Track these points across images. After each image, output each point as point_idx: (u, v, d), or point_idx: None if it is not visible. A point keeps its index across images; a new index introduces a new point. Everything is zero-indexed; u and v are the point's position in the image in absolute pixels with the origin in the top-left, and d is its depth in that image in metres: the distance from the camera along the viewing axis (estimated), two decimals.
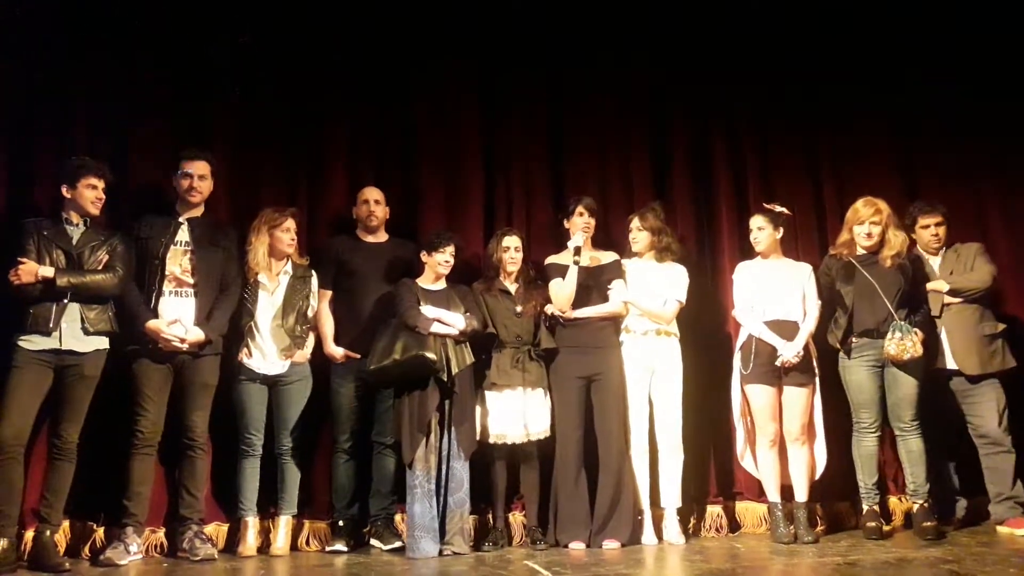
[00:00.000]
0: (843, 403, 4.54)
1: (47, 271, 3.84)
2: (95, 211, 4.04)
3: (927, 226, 4.75)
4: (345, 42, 5.00)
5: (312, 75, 4.93)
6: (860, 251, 4.52)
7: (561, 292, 4.50)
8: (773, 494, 4.46)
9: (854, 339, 4.45)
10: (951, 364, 4.60)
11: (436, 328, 4.24)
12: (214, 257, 4.26)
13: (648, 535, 4.42)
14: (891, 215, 4.48)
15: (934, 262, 4.75)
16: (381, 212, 4.68)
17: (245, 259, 4.37)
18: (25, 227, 3.96)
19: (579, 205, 4.64)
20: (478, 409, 4.39)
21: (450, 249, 4.44)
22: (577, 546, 4.28)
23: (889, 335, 4.29)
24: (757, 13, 5.34)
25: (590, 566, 3.87)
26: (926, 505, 4.35)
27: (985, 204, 5.36)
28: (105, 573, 3.83)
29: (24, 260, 3.84)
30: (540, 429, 4.40)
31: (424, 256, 4.48)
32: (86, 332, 3.90)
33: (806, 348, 4.47)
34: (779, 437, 4.49)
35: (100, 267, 3.99)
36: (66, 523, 4.07)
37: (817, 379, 4.53)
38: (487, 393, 4.40)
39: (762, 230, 4.61)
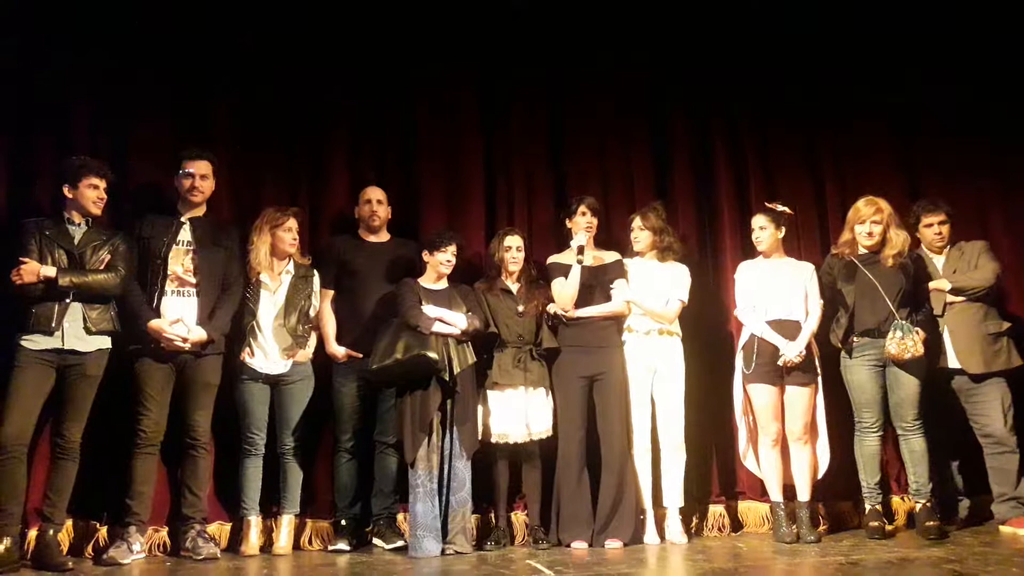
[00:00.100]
0: (845, 402, 4.54)
1: (49, 271, 3.84)
2: (97, 211, 4.04)
3: (931, 224, 4.75)
4: (345, 42, 5.00)
5: (313, 75, 4.93)
6: (861, 250, 4.51)
7: (564, 291, 4.50)
8: (775, 494, 4.46)
9: (855, 338, 4.45)
10: (954, 363, 4.59)
11: (438, 328, 4.24)
12: (216, 257, 4.26)
13: (650, 535, 4.42)
14: (892, 214, 4.47)
15: (938, 261, 4.75)
16: (383, 212, 4.68)
17: (247, 259, 4.37)
18: (27, 227, 3.96)
19: (581, 204, 4.63)
20: (480, 409, 4.39)
21: (452, 249, 4.44)
22: (579, 545, 4.28)
23: (890, 334, 4.28)
24: (757, 13, 5.34)
25: (592, 565, 3.87)
26: (929, 505, 4.35)
27: (986, 203, 5.37)
28: (108, 572, 3.84)
29: (26, 260, 3.85)
30: (542, 428, 4.40)
31: (426, 256, 4.48)
32: (88, 332, 3.90)
33: (808, 347, 4.47)
34: (781, 437, 4.49)
35: (102, 267, 3.99)
36: (69, 522, 4.07)
37: (819, 378, 4.53)
38: (489, 393, 4.41)
39: (764, 229, 4.61)
